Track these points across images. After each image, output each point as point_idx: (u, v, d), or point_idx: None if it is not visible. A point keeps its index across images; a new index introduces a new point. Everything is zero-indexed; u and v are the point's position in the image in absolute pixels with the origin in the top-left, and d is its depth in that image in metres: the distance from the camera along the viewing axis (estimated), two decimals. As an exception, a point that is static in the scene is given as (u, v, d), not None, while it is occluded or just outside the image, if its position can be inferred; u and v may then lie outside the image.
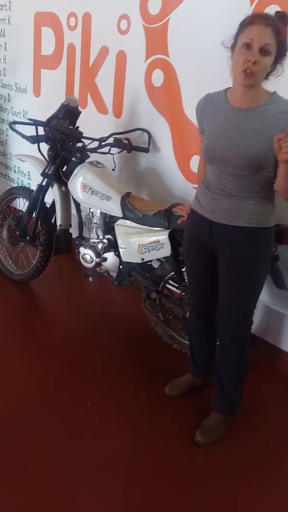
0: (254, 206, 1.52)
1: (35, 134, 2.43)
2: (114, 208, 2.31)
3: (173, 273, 2.19)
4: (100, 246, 2.44)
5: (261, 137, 1.42)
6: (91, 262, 2.46)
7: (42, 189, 2.61)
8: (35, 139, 2.42)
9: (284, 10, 1.44)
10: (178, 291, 2.26)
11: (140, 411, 1.92)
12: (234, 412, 1.84)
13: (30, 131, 2.43)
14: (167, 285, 2.30)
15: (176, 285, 2.25)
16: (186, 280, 1.91)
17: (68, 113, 2.45)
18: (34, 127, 2.44)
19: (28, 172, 3.70)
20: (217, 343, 1.86)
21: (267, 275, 1.67)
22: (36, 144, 2.46)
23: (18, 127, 2.43)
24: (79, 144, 2.49)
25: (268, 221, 1.56)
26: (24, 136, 2.42)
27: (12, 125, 2.45)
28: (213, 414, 1.84)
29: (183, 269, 2.14)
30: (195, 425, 1.84)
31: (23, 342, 2.32)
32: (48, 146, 2.52)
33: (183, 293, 2.19)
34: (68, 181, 2.48)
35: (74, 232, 2.65)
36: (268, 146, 1.41)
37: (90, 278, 2.58)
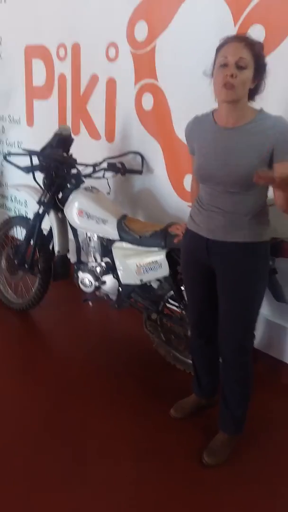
0: (249, 221, 1.53)
1: (29, 164, 2.46)
2: (110, 231, 2.32)
3: (172, 292, 2.18)
4: (98, 269, 2.44)
5: (251, 154, 1.44)
6: (90, 286, 2.46)
7: (39, 217, 2.63)
8: (30, 169, 2.44)
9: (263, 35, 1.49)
10: (179, 310, 2.24)
11: (146, 434, 1.88)
12: (240, 430, 1.80)
13: (25, 160, 2.46)
14: (167, 305, 2.29)
15: (176, 304, 2.23)
16: (186, 296, 1.90)
17: (61, 142, 2.49)
18: (28, 156, 2.47)
19: (25, 200, 3.73)
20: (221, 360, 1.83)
21: (266, 288, 1.67)
22: (31, 173, 2.49)
23: (13, 158, 2.46)
24: (74, 171, 2.52)
25: (263, 236, 1.56)
26: (18, 167, 2.45)
27: (7, 157, 2.48)
28: (219, 434, 1.81)
29: (182, 288, 2.13)
30: (202, 446, 1.80)
31: (24, 370, 2.30)
32: (43, 174, 2.55)
33: (183, 312, 2.17)
34: (64, 207, 2.50)
35: (72, 257, 2.65)
36: (258, 161, 1.43)
37: (90, 303, 2.57)
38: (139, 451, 1.80)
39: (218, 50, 1.43)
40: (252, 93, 1.49)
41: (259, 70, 1.42)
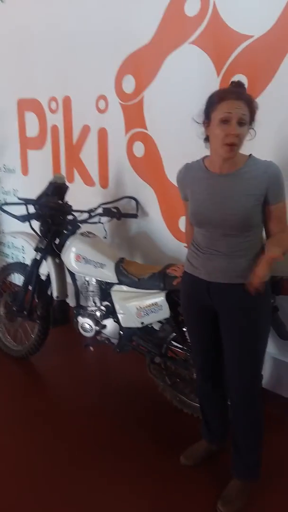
0: (248, 262, 1.55)
1: (25, 212, 2.50)
2: (108, 274, 2.34)
3: (174, 334, 2.18)
4: (98, 313, 2.43)
5: (246, 198, 1.49)
6: (91, 331, 2.45)
7: (36, 263, 2.64)
8: (26, 218, 2.48)
9: (239, 80, 1.54)
10: (183, 352, 2.23)
11: (157, 486, 1.82)
12: (255, 476, 1.75)
13: (21, 209, 2.51)
14: (171, 347, 2.28)
15: (180, 345, 2.22)
16: (189, 340, 1.89)
17: (56, 190, 2.55)
18: (24, 205, 2.52)
19: (22, 246, 3.77)
20: (229, 403, 1.81)
21: (270, 327, 1.67)
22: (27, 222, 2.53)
23: (9, 206, 2.50)
24: (70, 217, 2.57)
25: None
26: (15, 217, 2.48)
27: (2, 207, 2.52)
28: (233, 481, 1.75)
29: (184, 329, 2.13)
30: (216, 494, 1.74)
31: (26, 421, 2.24)
32: (39, 222, 2.59)
33: (187, 354, 2.16)
34: (61, 253, 2.53)
35: (71, 301, 2.65)
36: (254, 205, 1.49)
37: (91, 348, 2.55)
38: (151, 504, 1.73)
39: (214, 103, 1.47)
40: None
41: (251, 121, 1.50)
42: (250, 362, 1.62)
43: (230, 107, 1.43)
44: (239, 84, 1.52)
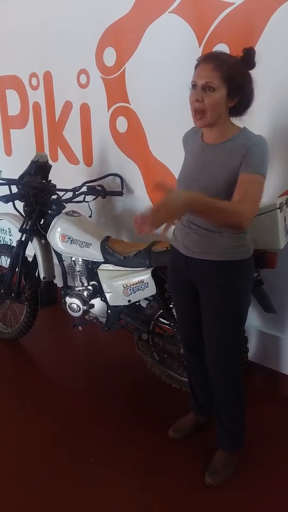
0: (223, 240, 1.50)
1: (8, 193, 2.45)
2: (95, 254, 2.32)
3: (162, 310, 2.18)
4: (85, 293, 2.42)
5: (220, 172, 1.44)
6: (79, 311, 2.44)
7: (22, 245, 2.61)
8: (9, 198, 2.43)
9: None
10: (170, 328, 2.23)
11: (147, 460, 1.85)
12: (240, 446, 1.77)
13: (4, 190, 2.46)
14: (158, 324, 2.28)
15: (167, 322, 2.23)
16: (175, 313, 1.89)
17: (39, 169, 2.50)
18: (6, 186, 2.47)
19: (9, 228, 3.71)
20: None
21: (254, 301, 1.67)
22: (10, 203, 2.49)
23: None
24: (54, 197, 2.53)
25: (240, 254, 1.53)
26: (-4, 198, 2.44)
27: None
28: (219, 452, 1.77)
29: (171, 305, 2.13)
30: (204, 466, 1.77)
31: (19, 402, 2.25)
32: (23, 202, 2.55)
33: (175, 330, 2.16)
34: (46, 233, 2.50)
35: (59, 282, 2.64)
36: (227, 180, 1.41)
37: (79, 327, 2.54)
38: (140, 478, 1.76)
39: (195, 69, 1.41)
40: (236, 110, 1.46)
41: (235, 88, 1.38)
42: (226, 340, 1.61)
43: (198, 72, 1.37)
44: (247, 52, 1.39)
